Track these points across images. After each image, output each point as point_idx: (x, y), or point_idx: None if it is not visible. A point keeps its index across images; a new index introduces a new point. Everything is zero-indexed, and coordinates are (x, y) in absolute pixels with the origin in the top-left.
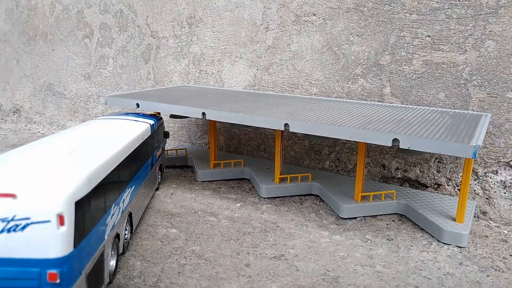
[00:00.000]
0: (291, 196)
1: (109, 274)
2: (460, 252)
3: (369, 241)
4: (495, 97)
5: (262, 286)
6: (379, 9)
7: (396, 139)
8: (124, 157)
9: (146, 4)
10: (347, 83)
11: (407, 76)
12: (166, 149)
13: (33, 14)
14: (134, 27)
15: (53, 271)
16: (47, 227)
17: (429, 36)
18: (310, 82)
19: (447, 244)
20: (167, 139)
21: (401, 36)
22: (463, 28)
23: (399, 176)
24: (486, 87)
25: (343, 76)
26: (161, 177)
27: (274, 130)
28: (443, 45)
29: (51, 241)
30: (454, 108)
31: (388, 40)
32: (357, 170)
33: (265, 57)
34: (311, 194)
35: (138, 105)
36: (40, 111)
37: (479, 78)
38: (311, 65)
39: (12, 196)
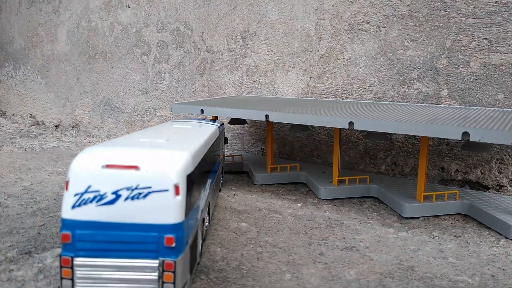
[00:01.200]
0: (350, 198)
1: (199, 254)
2: None
3: (437, 237)
4: None
5: (340, 272)
6: (434, 15)
7: (466, 132)
8: (207, 149)
9: (202, 22)
10: (403, 88)
11: (465, 78)
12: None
13: (93, 34)
14: (190, 43)
15: (170, 235)
16: (166, 195)
17: (486, 38)
18: (364, 88)
19: None
20: (226, 144)
21: (458, 40)
22: None
23: (459, 178)
24: None
25: (398, 80)
26: (222, 180)
27: (331, 132)
28: (501, 47)
29: (169, 209)
30: None
31: (444, 44)
32: (419, 169)
33: (318, 65)
34: (369, 196)
35: (202, 110)
36: (99, 125)
37: None
38: (365, 72)
39: (136, 168)
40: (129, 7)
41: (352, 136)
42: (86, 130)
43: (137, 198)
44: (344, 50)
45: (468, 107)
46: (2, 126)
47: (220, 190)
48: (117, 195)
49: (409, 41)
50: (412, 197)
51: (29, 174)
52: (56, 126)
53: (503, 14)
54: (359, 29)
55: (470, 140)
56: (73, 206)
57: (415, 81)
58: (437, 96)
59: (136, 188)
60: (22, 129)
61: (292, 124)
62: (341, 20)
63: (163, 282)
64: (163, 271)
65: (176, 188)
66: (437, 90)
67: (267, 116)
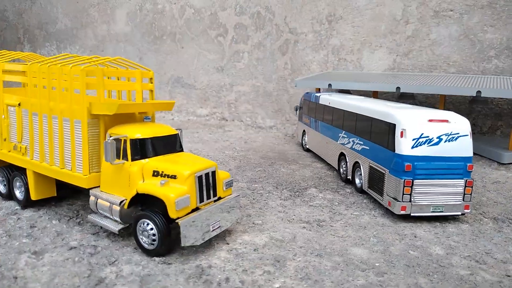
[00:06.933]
0: None
1: None
2: None
3: None
4: None
5: None
6: (510, 6)
7: None
8: None
9: (285, 6)
10: (482, 63)
11: None
12: None
13: (159, 16)
14: (272, 26)
15: (470, 164)
16: (466, 138)
17: None
18: (448, 64)
19: None
20: None
21: None
22: None
23: None
24: None
25: (478, 57)
26: None
27: (424, 101)
28: None
29: (468, 147)
30: None
31: None
32: None
33: (404, 45)
34: None
35: (330, 85)
36: None
37: None
38: (449, 50)
39: (446, 121)
40: None
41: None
42: None
43: (451, 140)
44: (430, 32)
45: None
46: None
47: None
48: (439, 139)
49: (488, 26)
50: (505, 148)
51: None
52: None
53: None
54: (444, 15)
55: None
56: (412, 147)
57: (493, 58)
58: None
59: (450, 134)
60: None
61: (401, 94)
62: (427, 8)
63: (464, 194)
64: (465, 186)
65: (470, 133)
66: (511, 65)
67: (398, 88)
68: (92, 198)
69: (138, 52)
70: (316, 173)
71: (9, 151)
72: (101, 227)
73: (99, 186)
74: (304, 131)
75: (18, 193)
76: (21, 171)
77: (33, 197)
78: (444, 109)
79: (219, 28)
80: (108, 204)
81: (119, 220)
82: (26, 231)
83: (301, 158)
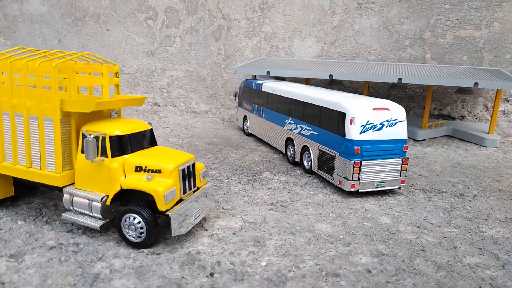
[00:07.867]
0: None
1: None
2: (498, 150)
3: (447, 149)
4: (499, 58)
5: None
6: (423, 0)
7: (476, 83)
8: None
9: None
10: (398, 52)
11: (442, 46)
12: None
13: None
14: (204, 11)
15: (406, 145)
16: (403, 123)
17: (457, 19)
18: (369, 52)
19: (488, 147)
20: None
21: (438, 19)
22: (479, 14)
23: (436, 113)
24: (493, 51)
25: (395, 47)
26: None
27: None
28: (466, 25)
29: (404, 130)
30: (474, 66)
31: (429, 21)
32: (425, 108)
33: (331, 34)
34: None
35: (268, 72)
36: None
37: (489, 46)
38: (370, 40)
39: (387, 109)
40: None
41: (353, 88)
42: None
43: (391, 125)
44: (354, 23)
45: (444, 65)
46: None
47: None
48: (382, 125)
49: (404, 18)
50: (419, 127)
51: None
52: None
53: (469, 3)
54: (366, 7)
55: (479, 87)
56: (360, 132)
57: (408, 47)
58: (423, 58)
59: (390, 120)
60: None
61: (331, 80)
62: (351, 0)
63: (401, 170)
64: (402, 164)
65: (406, 119)
66: (423, 54)
67: (330, 75)
68: (66, 196)
69: (57, 34)
70: (264, 157)
71: None
72: (73, 224)
73: (73, 184)
74: (245, 116)
75: None
76: None
77: None
78: (368, 93)
79: (148, 11)
80: (86, 201)
81: (99, 216)
82: None
83: (245, 143)
